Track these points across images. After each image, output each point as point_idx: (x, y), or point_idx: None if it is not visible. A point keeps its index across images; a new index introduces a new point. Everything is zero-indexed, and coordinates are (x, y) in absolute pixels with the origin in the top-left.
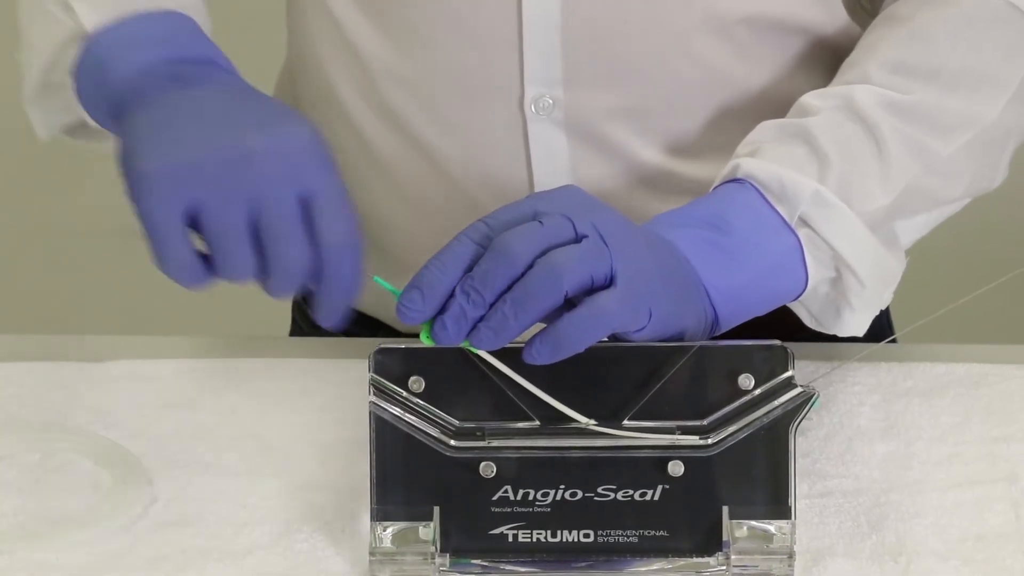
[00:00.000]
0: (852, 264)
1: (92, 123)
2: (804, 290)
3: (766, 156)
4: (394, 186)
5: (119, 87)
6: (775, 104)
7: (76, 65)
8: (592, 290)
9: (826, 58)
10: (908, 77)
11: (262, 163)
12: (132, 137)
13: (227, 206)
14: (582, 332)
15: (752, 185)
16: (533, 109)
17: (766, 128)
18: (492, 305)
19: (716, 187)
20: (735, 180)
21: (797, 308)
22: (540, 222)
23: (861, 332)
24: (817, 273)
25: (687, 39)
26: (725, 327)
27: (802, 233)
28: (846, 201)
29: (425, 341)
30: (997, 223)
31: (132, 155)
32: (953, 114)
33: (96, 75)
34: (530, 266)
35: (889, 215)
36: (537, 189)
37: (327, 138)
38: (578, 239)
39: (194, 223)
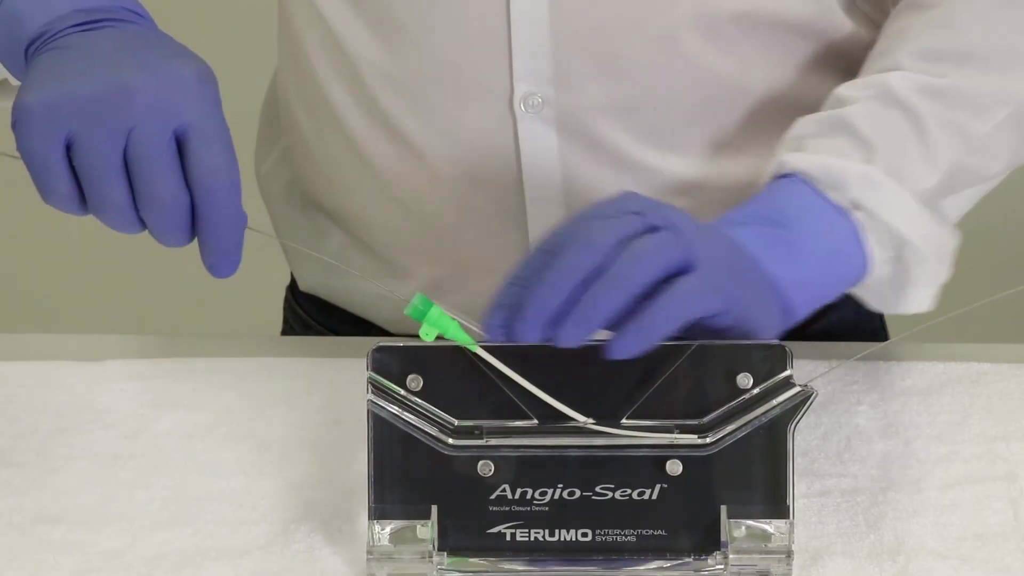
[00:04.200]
0: (910, 239)
1: (13, 80)
2: (867, 272)
3: (810, 150)
4: (384, 186)
5: (31, 37)
6: (764, 100)
7: None
8: (669, 279)
9: (817, 53)
10: (940, 62)
11: (139, 98)
12: (26, 78)
13: (98, 139)
14: (666, 319)
15: (801, 179)
16: (523, 107)
17: (806, 123)
18: (573, 299)
19: (767, 185)
20: (783, 176)
21: (862, 291)
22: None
23: (927, 307)
24: (878, 253)
25: (675, 36)
26: (799, 317)
27: (857, 216)
28: (896, 181)
29: (425, 338)
30: (994, 223)
31: (19, 92)
32: (988, 93)
33: (11, 28)
34: (610, 257)
35: (936, 195)
36: (527, 187)
37: (318, 142)
38: (652, 231)
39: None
